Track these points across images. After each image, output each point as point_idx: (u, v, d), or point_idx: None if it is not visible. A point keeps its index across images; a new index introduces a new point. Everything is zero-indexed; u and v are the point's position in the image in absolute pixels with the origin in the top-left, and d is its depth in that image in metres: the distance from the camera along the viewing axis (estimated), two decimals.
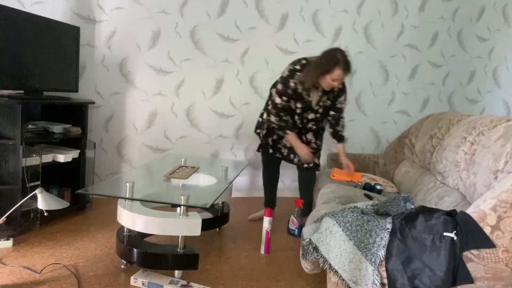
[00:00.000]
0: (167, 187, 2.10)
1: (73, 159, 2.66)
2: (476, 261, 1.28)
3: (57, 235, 2.36)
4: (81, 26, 2.99)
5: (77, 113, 2.81)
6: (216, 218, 2.47)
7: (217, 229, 2.64)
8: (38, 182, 2.43)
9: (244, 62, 3.40)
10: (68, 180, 2.83)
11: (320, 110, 2.69)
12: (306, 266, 1.73)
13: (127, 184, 1.85)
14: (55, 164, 2.60)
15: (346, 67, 2.43)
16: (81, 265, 2.02)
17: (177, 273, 1.92)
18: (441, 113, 2.78)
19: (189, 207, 1.86)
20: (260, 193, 3.61)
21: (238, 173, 2.48)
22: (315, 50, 3.50)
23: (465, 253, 1.26)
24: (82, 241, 2.31)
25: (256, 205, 3.31)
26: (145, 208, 1.96)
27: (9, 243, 2.16)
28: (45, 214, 1.81)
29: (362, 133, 3.72)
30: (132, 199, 1.94)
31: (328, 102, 2.68)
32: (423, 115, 3.77)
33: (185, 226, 1.85)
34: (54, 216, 2.58)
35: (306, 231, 1.75)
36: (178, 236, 1.90)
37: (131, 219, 1.89)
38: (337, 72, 2.41)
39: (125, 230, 2.02)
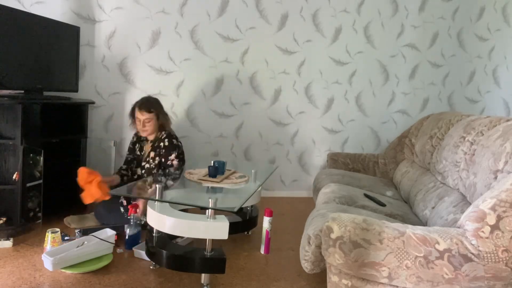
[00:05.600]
0: (196, 189, 2.11)
1: (73, 159, 2.67)
2: (476, 261, 1.28)
3: None
4: (81, 26, 2.99)
5: (77, 113, 2.82)
6: (245, 222, 2.51)
7: (246, 233, 2.63)
8: (40, 181, 2.43)
9: (244, 62, 3.40)
10: (68, 179, 2.83)
11: (152, 165, 2.55)
12: (306, 266, 1.73)
13: (157, 186, 1.85)
14: (55, 164, 2.60)
15: (141, 103, 2.51)
16: None
17: (203, 276, 1.88)
18: (441, 113, 2.78)
19: (217, 210, 1.84)
20: (263, 193, 3.61)
21: (267, 176, 2.49)
22: (315, 50, 3.51)
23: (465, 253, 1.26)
24: None
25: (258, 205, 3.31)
26: (173, 210, 1.94)
27: (9, 243, 2.16)
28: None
29: (362, 133, 3.72)
30: (161, 201, 1.93)
31: (157, 159, 2.53)
32: (423, 115, 3.77)
33: (212, 229, 1.82)
34: (54, 216, 2.58)
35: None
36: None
37: (160, 220, 1.88)
38: (136, 111, 2.51)
39: (154, 231, 2.01)
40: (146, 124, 2.51)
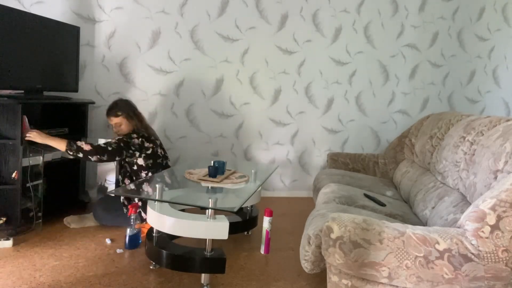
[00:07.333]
0: (196, 189, 2.11)
1: (73, 159, 2.65)
2: (476, 261, 1.28)
3: (57, 235, 2.36)
4: (81, 26, 2.99)
5: (77, 113, 2.82)
6: (245, 222, 2.50)
7: (246, 233, 2.63)
8: (40, 181, 2.43)
9: (244, 62, 3.40)
10: (69, 179, 2.83)
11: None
12: (306, 266, 1.73)
13: (157, 185, 1.85)
14: (55, 165, 2.60)
15: (108, 110, 2.54)
16: (81, 265, 2.02)
17: (203, 276, 1.88)
18: (441, 113, 2.78)
19: (217, 210, 1.83)
20: (263, 193, 3.62)
21: (267, 176, 2.48)
22: (315, 50, 3.51)
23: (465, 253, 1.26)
24: (82, 241, 2.31)
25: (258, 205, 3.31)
26: (173, 210, 1.94)
27: (9, 243, 2.16)
28: None
29: (362, 133, 3.72)
30: (160, 201, 1.93)
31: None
32: (423, 115, 3.77)
33: (212, 229, 1.82)
34: (54, 215, 2.58)
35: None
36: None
37: (160, 220, 1.88)
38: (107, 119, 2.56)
39: (154, 231, 2.01)
40: (118, 128, 2.54)
